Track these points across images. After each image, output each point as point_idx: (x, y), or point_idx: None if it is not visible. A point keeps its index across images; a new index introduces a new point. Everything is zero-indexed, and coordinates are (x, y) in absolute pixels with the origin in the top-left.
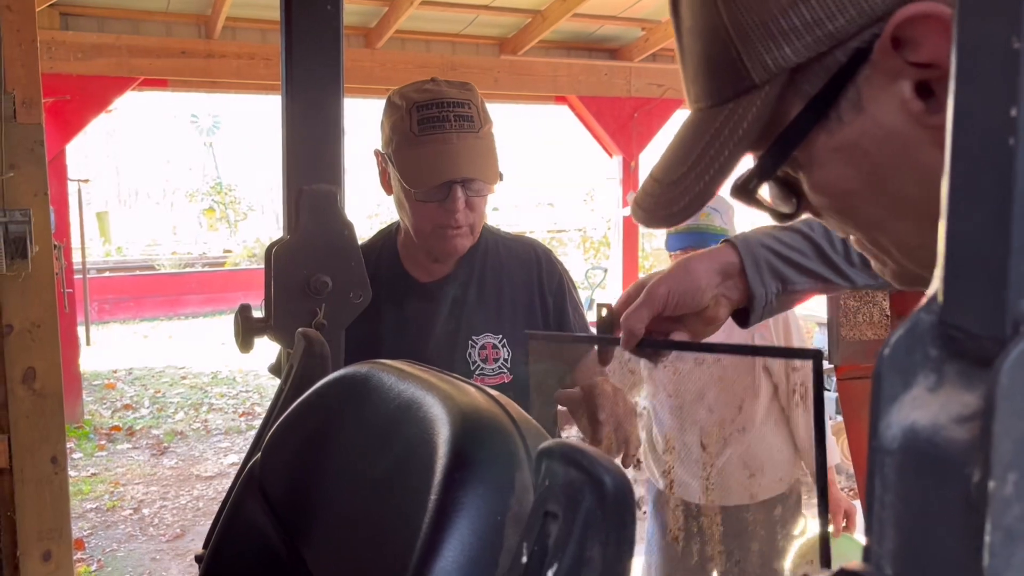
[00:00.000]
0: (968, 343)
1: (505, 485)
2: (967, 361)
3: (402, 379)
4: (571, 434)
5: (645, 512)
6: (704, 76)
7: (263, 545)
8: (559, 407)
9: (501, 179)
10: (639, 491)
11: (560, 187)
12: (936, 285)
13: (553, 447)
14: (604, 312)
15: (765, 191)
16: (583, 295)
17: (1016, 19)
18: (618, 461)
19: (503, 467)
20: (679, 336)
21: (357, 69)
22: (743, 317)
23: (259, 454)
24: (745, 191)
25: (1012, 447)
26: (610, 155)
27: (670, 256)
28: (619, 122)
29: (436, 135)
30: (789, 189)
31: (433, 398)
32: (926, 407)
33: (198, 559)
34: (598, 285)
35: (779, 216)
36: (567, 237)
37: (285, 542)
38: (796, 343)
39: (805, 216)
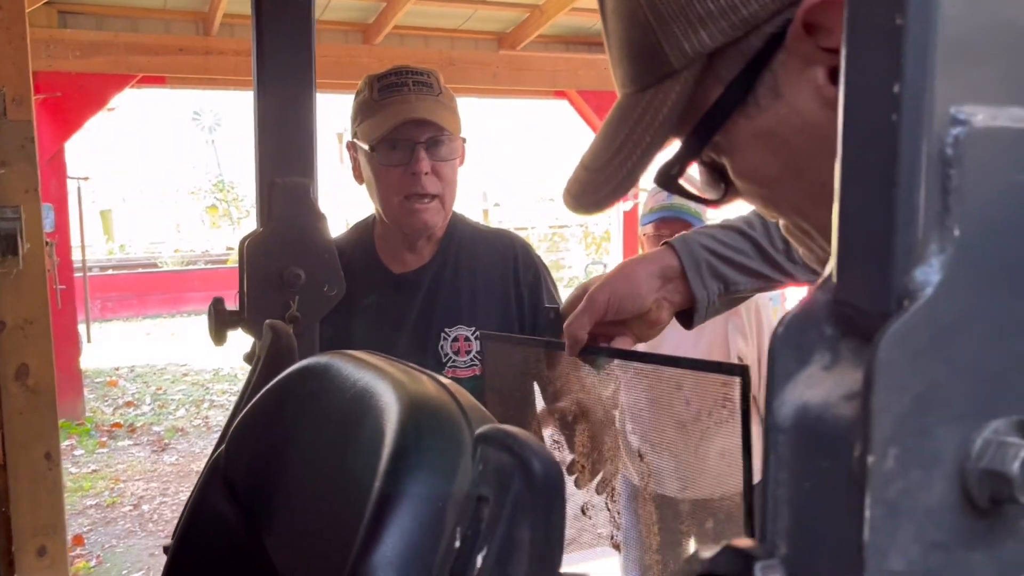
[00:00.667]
0: (859, 320)
1: (448, 472)
2: (859, 338)
3: (359, 368)
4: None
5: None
6: (627, 61)
7: (226, 533)
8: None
9: (464, 141)
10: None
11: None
12: (831, 265)
13: (488, 432)
14: (552, 315)
15: (695, 177)
16: None
17: None
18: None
19: (446, 454)
20: (623, 340)
21: (355, 65)
22: (687, 318)
23: (223, 445)
24: (668, 177)
25: (892, 421)
26: None
27: (641, 234)
28: None
29: (395, 95)
30: (717, 175)
31: (386, 386)
32: (819, 385)
33: (166, 549)
34: None
35: (707, 203)
36: (568, 232)
37: (248, 530)
38: (767, 332)
39: (745, 211)
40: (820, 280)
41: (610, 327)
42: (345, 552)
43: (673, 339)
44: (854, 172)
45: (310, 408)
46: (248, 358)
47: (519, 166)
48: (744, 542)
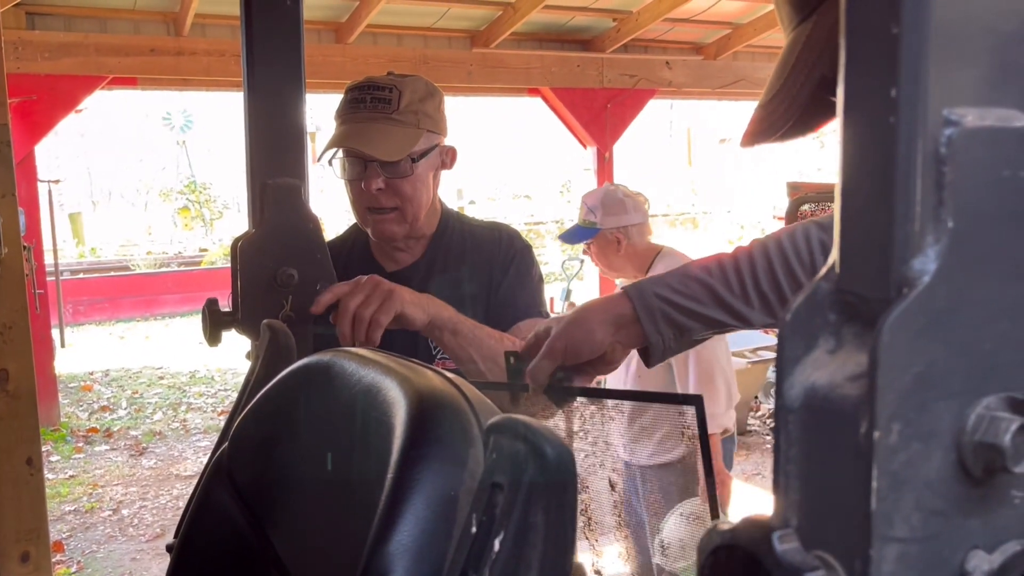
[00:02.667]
0: (861, 306)
1: (459, 461)
2: (861, 323)
3: (363, 365)
4: None
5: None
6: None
7: (232, 531)
8: None
9: (413, 161)
10: None
11: (536, 179)
12: (834, 255)
13: (501, 422)
14: (512, 360)
15: None
16: (559, 286)
17: (894, 6)
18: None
19: (457, 444)
20: (581, 379)
21: (328, 64)
22: (647, 355)
23: (227, 443)
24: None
25: (895, 399)
26: (584, 146)
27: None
28: (592, 113)
29: (350, 114)
30: None
31: (391, 381)
32: (825, 367)
33: (169, 548)
34: (575, 276)
35: None
36: (544, 229)
37: (254, 527)
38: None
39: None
40: (824, 270)
41: (569, 368)
42: (357, 544)
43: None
44: (855, 170)
45: (314, 405)
46: (249, 356)
47: (494, 163)
48: (761, 516)
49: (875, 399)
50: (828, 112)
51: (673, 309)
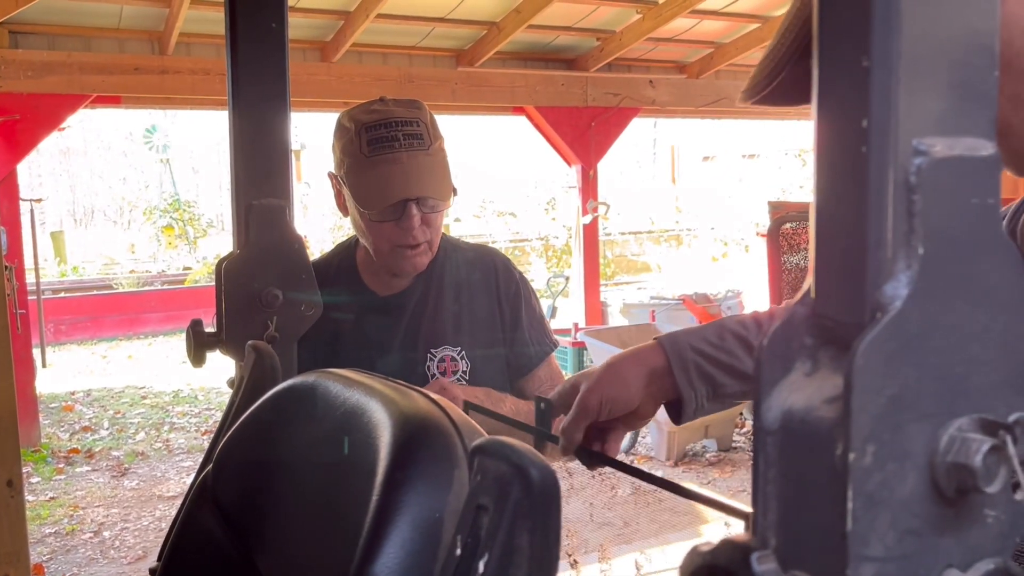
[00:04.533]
0: (837, 330)
1: (443, 483)
2: (836, 347)
3: (348, 387)
4: None
5: None
6: None
7: (216, 554)
8: None
9: (455, 194)
10: None
11: (521, 197)
12: (809, 281)
13: (485, 443)
14: (543, 405)
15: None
16: (545, 303)
17: (864, 41)
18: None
19: (441, 466)
20: (614, 434)
21: (314, 83)
22: (676, 411)
23: (211, 465)
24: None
25: (870, 421)
26: (569, 164)
27: None
28: (577, 131)
29: (386, 155)
30: None
31: (376, 403)
32: (802, 390)
33: (152, 572)
34: (560, 293)
35: None
36: (529, 246)
37: (238, 550)
38: None
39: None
40: (799, 296)
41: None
42: (342, 566)
43: None
44: (829, 198)
45: (299, 427)
46: (231, 383)
47: (479, 181)
48: (740, 536)
49: (850, 421)
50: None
51: (708, 362)
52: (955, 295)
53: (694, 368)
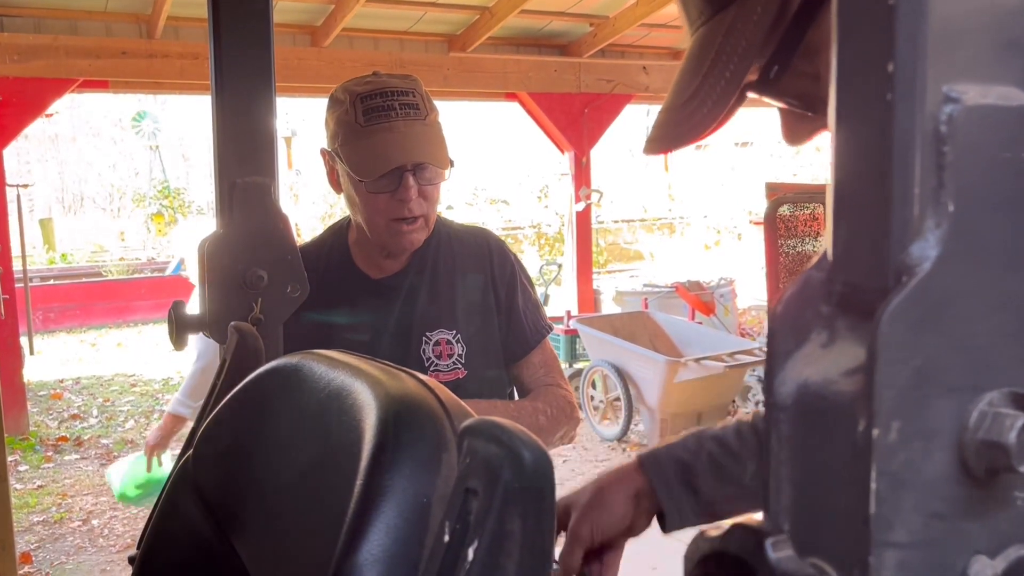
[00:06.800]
0: (856, 297)
1: (431, 466)
2: (856, 315)
3: (332, 367)
4: None
5: None
6: None
7: (197, 540)
8: None
9: (452, 165)
10: None
11: (514, 184)
12: (826, 242)
13: (474, 425)
14: None
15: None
16: (538, 291)
17: None
18: None
19: (429, 449)
20: (613, 554)
21: (304, 68)
22: (663, 523)
23: (191, 450)
24: (767, 81)
25: (895, 395)
26: (562, 151)
27: None
28: (570, 118)
29: (383, 123)
30: (801, 105)
31: (362, 384)
32: (818, 363)
33: (131, 560)
34: (552, 280)
35: (798, 112)
36: (522, 234)
37: (219, 536)
38: None
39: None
40: (815, 259)
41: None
42: (324, 552)
43: None
44: (849, 150)
45: (281, 409)
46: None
47: (471, 168)
48: (752, 520)
49: (873, 395)
50: (739, 105)
51: (687, 472)
52: (987, 257)
53: (676, 481)
